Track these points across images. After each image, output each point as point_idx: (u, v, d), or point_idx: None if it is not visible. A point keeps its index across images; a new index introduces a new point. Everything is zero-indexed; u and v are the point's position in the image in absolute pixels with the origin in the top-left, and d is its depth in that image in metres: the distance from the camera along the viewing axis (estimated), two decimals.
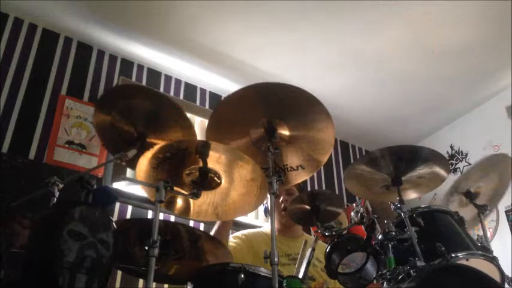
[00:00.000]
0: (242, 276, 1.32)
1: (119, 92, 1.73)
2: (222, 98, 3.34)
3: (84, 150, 2.57)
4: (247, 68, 3.09)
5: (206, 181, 1.50)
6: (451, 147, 3.65)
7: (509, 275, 1.64)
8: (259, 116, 1.60)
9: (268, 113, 1.60)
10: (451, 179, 1.96)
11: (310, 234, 2.53)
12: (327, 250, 1.59)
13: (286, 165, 1.70)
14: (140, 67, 3.08)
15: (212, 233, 1.95)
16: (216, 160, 1.48)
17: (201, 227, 2.64)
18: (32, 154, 2.42)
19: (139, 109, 1.61)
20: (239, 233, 2.19)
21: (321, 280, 2.00)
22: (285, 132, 1.63)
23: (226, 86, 3.26)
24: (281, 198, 2.20)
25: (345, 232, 1.69)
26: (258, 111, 1.60)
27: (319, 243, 1.81)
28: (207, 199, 1.60)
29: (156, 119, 1.63)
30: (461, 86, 3.33)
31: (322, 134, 1.62)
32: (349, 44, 2.94)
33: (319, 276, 2.00)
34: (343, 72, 3.18)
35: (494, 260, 1.61)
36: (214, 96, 3.33)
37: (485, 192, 1.99)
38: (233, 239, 2.13)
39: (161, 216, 1.33)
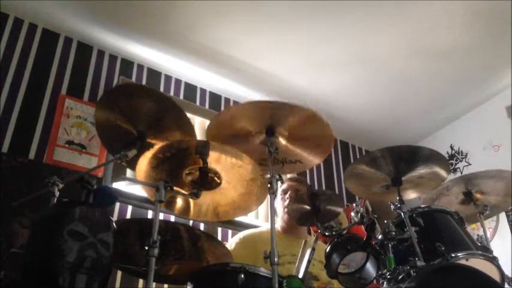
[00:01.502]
0: (242, 276, 1.32)
1: (121, 91, 1.73)
2: (222, 98, 3.35)
3: (84, 150, 2.57)
4: (247, 68, 3.09)
5: (206, 181, 1.50)
6: (451, 147, 3.64)
7: (509, 275, 1.64)
8: (258, 128, 1.61)
9: (268, 127, 1.61)
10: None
11: (310, 234, 2.53)
12: (327, 250, 1.59)
13: (285, 158, 1.71)
14: (140, 67, 3.08)
15: None
16: (216, 160, 1.48)
17: (201, 227, 2.64)
18: (32, 154, 2.41)
19: (141, 109, 1.62)
20: (241, 236, 2.17)
21: (324, 280, 2.00)
22: (284, 141, 1.64)
23: (226, 86, 3.26)
24: (287, 194, 2.19)
25: (345, 232, 1.69)
26: (257, 125, 1.60)
27: (319, 243, 1.80)
28: (207, 199, 1.60)
29: (158, 119, 1.63)
30: (461, 86, 3.33)
31: (321, 144, 1.64)
32: (349, 44, 2.94)
33: (323, 277, 1.99)
34: (343, 72, 3.17)
35: (494, 260, 1.61)
36: (214, 96, 3.33)
37: (487, 200, 1.99)
38: (234, 244, 2.12)
39: (161, 216, 1.33)
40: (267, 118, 1.58)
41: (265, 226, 2.41)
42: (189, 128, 1.66)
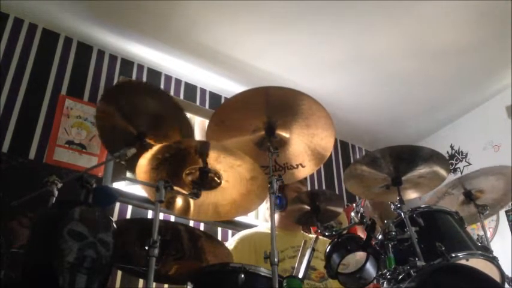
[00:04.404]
0: (242, 276, 1.32)
1: (122, 89, 1.72)
2: (222, 98, 3.35)
3: (84, 150, 2.57)
4: (247, 67, 3.09)
5: (206, 181, 1.50)
6: (451, 147, 3.64)
7: (509, 275, 1.64)
8: (259, 118, 1.61)
9: (269, 115, 1.60)
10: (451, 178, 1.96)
11: (309, 233, 2.53)
12: (327, 250, 1.59)
13: (286, 163, 1.71)
14: (140, 67, 3.08)
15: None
16: (216, 160, 1.48)
17: (201, 227, 2.64)
18: (32, 154, 2.41)
19: (142, 108, 1.61)
20: (242, 235, 2.16)
21: (321, 270, 1.99)
22: (285, 134, 1.64)
23: (226, 86, 3.26)
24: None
25: (345, 232, 1.69)
26: (258, 113, 1.60)
27: (320, 239, 1.80)
28: (207, 199, 1.60)
29: (158, 119, 1.63)
30: (461, 86, 3.33)
31: (322, 136, 1.63)
32: (349, 44, 2.94)
33: (320, 266, 1.99)
34: (343, 72, 3.17)
35: (494, 260, 1.61)
36: (214, 96, 3.33)
37: (487, 198, 1.99)
38: (234, 242, 2.12)
39: (161, 216, 1.33)
40: (264, 108, 1.58)
41: (261, 225, 2.40)
42: (188, 129, 1.66)
